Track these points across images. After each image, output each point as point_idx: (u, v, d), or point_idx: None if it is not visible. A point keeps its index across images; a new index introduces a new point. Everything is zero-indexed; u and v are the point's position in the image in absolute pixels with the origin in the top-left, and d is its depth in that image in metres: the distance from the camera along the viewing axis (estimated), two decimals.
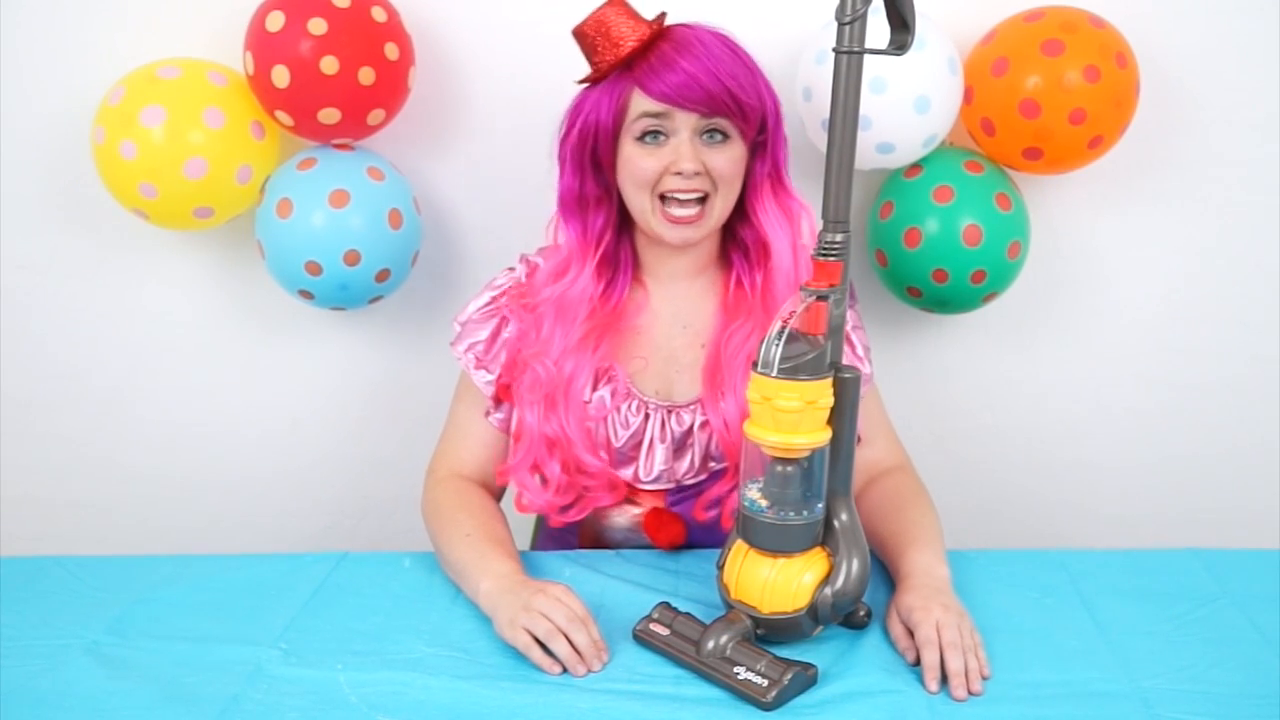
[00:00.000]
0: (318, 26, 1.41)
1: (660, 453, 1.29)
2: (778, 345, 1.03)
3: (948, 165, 1.52)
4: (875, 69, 1.33)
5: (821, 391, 1.05)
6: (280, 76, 1.42)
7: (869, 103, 1.18)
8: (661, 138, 1.21)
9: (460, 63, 1.61)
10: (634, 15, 1.20)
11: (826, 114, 1.09)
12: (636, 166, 1.21)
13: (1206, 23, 1.57)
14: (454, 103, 1.63)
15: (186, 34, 1.57)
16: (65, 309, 1.72)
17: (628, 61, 1.19)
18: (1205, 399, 1.74)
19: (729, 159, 1.22)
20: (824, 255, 1.06)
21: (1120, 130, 1.49)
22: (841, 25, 1.01)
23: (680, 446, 1.29)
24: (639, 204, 1.24)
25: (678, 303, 1.32)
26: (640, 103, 1.20)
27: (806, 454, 1.07)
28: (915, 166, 1.54)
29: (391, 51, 1.46)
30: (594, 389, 1.28)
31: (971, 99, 1.50)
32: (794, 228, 1.27)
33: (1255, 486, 1.76)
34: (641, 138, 1.21)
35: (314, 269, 1.49)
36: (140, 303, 1.72)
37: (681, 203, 1.22)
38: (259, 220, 1.54)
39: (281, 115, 1.48)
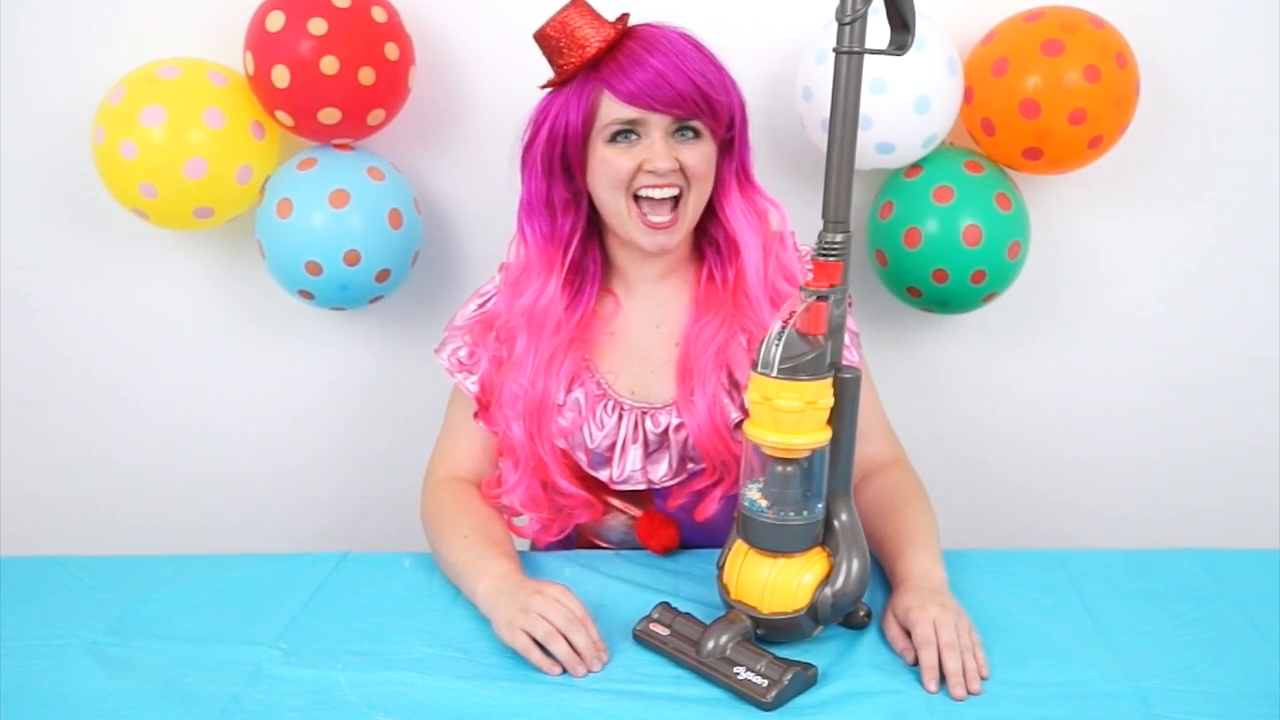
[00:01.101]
0: (318, 26, 1.41)
1: (633, 454, 1.28)
2: (778, 345, 1.03)
3: (948, 165, 1.52)
4: (875, 69, 1.32)
5: (821, 391, 1.05)
6: (280, 76, 1.42)
7: (869, 103, 1.18)
8: (634, 137, 1.20)
9: (460, 63, 1.61)
10: (597, 16, 1.19)
11: (826, 114, 1.09)
12: (610, 167, 1.21)
13: (1206, 23, 1.57)
14: (454, 103, 1.63)
15: (186, 34, 1.57)
16: (65, 309, 1.72)
17: (594, 63, 1.18)
18: (1205, 399, 1.74)
19: (701, 156, 1.21)
20: (824, 255, 1.06)
21: (1120, 130, 1.49)
22: (841, 25, 1.01)
23: (656, 449, 1.29)
24: (613, 205, 1.23)
25: (649, 303, 1.31)
26: (611, 107, 1.19)
27: (806, 454, 1.07)
28: (915, 166, 1.54)
29: (391, 51, 1.46)
30: (568, 392, 1.28)
31: (971, 99, 1.50)
32: (763, 224, 1.27)
33: (1255, 486, 1.76)
34: (613, 139, 1.20)
35: (314, 269, 1.49)
36: (140, 303, 1.72)
37: (656, 204, 1.21)
38: (259, 220, 1.54)
39: (281, 115, 1.48)
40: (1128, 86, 1.46)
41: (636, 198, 1.22)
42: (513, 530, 1.31)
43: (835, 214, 1.06)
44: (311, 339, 1.74)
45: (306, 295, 1.54)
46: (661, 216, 1.22)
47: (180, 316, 1.73)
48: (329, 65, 1.41)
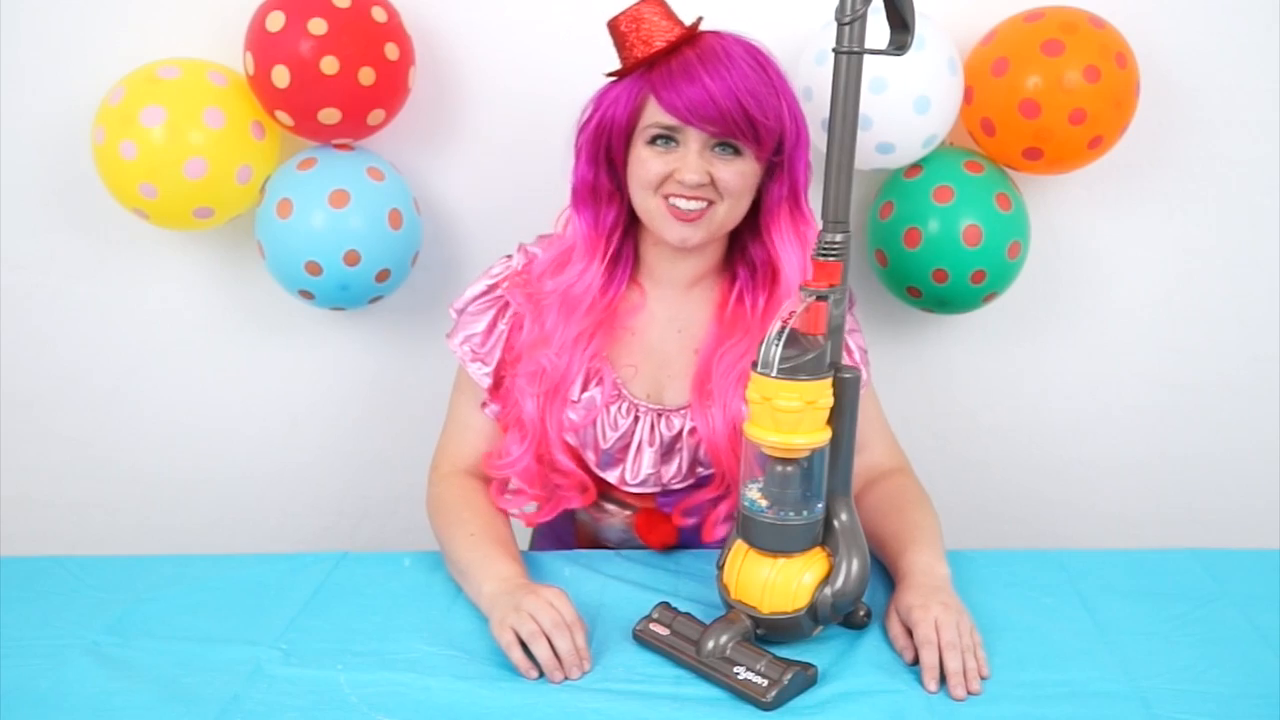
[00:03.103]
0: (318, 26, 1.41)
1: (648, 456, 1.28)
2: (778, 345, 1.03)
3: (948, 165, 1.52)
4: (875, 69, 1.33)
5: (821, 391, 1.05)
6: (280, 76, 1.42)
7: (869, 103, 1.18)
8: (673, 143, 1.20)
9: (460, 63, 1.61)
10: (669, 16, 1.18)
11: (826, 114, 1.09)
12: (644, 167, 1.21)
13: (1206, 23, 1.57)
14: (454, 103, 1.63)
15: (186, 34, 1.56)
16: (65, 309, 1.72)
17: (650, 63, 1.18)
18: (1205, 399, 1.74)
19: (737, 173, 1.21)
20: (824, 255, 1.06)
21: (1120, 130, 1.49)
22: (841, 25, 1.02)
23: (669, 451, 1.29)
24: (643, 203, 1.23)
25: (673, 306, 1.32)
26: (654, 111, 1.19)
27: (806, 454, 1.07)
28: (915, 166, 1.54)
29: (391, 51, 1.46)
30: (584, 389, 1.28)
31: (971, 99, 1.50)
32: (805, 252, 1.25)
33: (1255, 486, 1.76)
34: (653, 141, 1.21)
35: (314, 269, 1.49)
36: (140, 302, 1.72)
37: (686, 198, 1.21)
38: (259, 220, 1.54)
39: (281, 115, 1.48)
40: (1128, 86, 1.46)
41: (666, 196, 1.22)
42: (504, 505, 1.30)
43: (835, 214, 1.06)
44: (311, 339, 1.74)
45: (306, 295, 1.54)
46: (691, 206, 1.21)
47: (180, 316, 1.73)
48: (329, 65, 1.41)
